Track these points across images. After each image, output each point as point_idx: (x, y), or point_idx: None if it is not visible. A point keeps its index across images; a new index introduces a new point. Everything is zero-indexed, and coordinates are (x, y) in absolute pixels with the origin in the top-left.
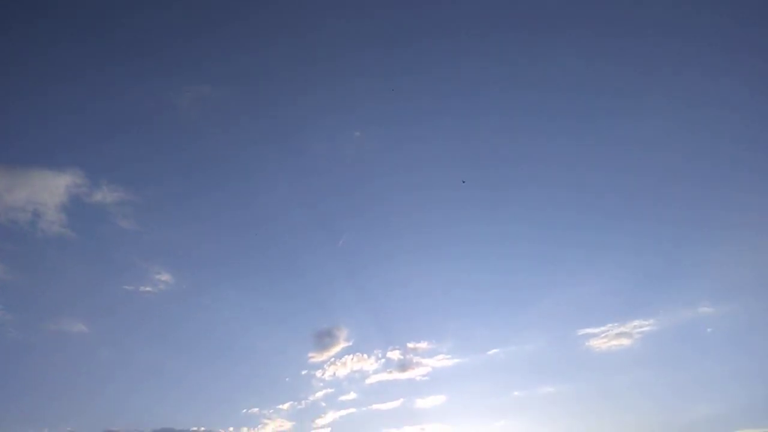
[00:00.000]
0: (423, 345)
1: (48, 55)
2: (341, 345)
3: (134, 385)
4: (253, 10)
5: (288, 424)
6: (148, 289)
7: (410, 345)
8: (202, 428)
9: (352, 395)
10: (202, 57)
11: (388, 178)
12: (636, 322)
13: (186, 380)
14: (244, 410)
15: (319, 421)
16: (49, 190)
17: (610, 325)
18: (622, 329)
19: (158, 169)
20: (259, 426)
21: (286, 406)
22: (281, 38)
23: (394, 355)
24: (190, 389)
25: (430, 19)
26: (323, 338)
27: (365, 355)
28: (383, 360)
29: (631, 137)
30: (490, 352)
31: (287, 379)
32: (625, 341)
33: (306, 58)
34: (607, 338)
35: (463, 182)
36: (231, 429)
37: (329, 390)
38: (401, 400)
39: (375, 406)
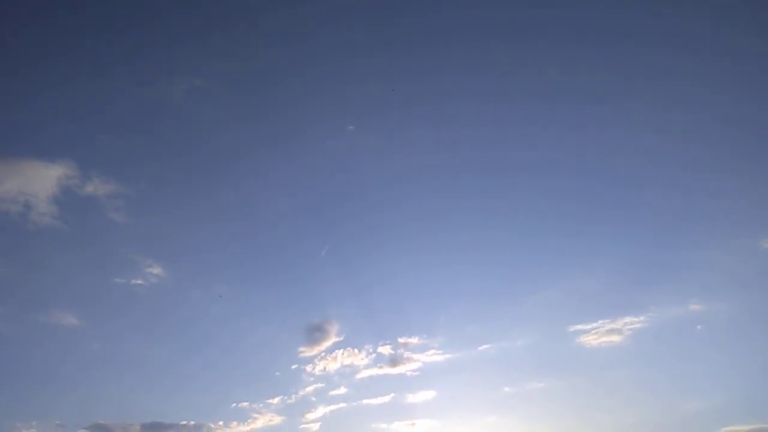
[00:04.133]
0: (414, 340)
1: (39, 47)
2: (332, 340)
3: (124, 379)
4: (246, 2)
5: (278, 419)
6: (139, 281)
7: (401, 340)
8: (192, 422)
9: (342, 390)
10: (195, 49)
11: (380, 172)
12: (627, 319)
13: (176, 374)
14: (234, 404)
15: (310, 416)
16: (40, 181)
17: (601, 321)
18: (613, 326)
19: (150, 161)
20: (249, 420)
21: (276, 400)
22: (275, 31)
23: (385, 350)
24: (179, 383)
25: (425, 15)
26: (314, 333)
27: (356, 350)
28: (374, 355)
29: (619, 137)
30: (481, 348)
31: (277, 374)
32: (616, 338)
33: (299, 51)
34: (598, 335)
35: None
36: (221, 423)
37: (319, 385)
38: (392, 395)
39: (365, 401)
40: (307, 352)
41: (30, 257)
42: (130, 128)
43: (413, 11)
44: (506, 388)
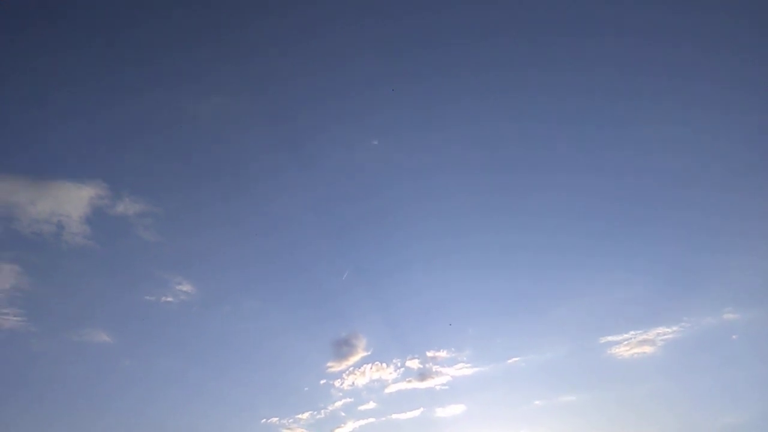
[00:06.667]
0: (442, 354)
1: (71, 68)
2: (360, 354)
3: (154, 395)
4: (269, 19)
5: None
6: (169, 299)
7: (429, 354)
8: None
9: (371, 405)
10: (220, 66)
11: (405, 187)
12: (659, 329)
13: (205, 390)
14: (263, 420)
15: (339, 431)
16: (72, 202)
17: (633, 332)
18: (645, 336)
19: (178, 180)
20: None
21: (305, 415)
22: (298, 47)
23: (413, 364)
24: (209, 399)
25: (449, 25)
26: (341, 347)
27: (384, 364)
28: (402, 369)
29: (651, 141)
30: (510, 361)
31: (306, 389)
32: (648, 349)
33: (323, 66)
34: (630, 346)
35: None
36: None
37: (348, 400)
38: (421, 409)
39: (394, 416)
40: (335, 367)
41: (63, 277)
42: (157, 148)
43: (439, 28)
44: (537, 402)
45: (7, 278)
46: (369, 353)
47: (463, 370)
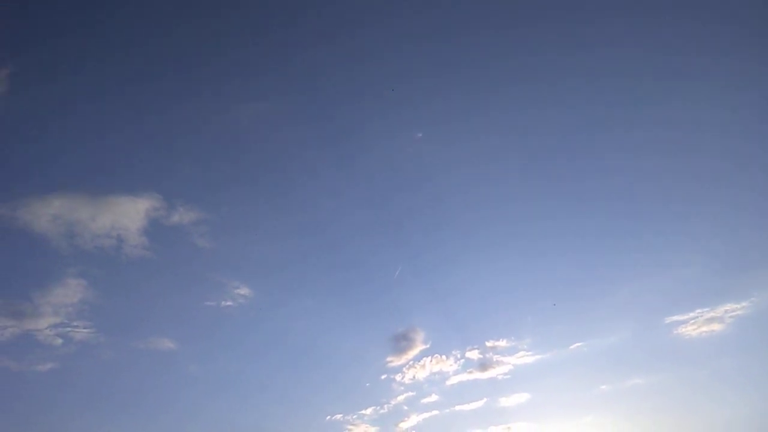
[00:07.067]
0: (502, 343)
1: (122, 88)
2: (419, 347)
3: (221, 396)
4: (306, 16)
5: (372, 429)
6: (228, 303)
7: (489, 344)
8: None
9: (433, 397)
10: (260, 70)
11: (453, 177)
12: (727, 306)
13: (270, 390)
14: (328, 417)
15: (403, 425)
16: (129, 215)
17: (700, 310)
18: (713, 314)
19: (228, 185)
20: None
21: (368, 411)
22: (338, 41)
23: (473, 354)
24: (274, 399)
25: (492, 13)
26: (400, 342)
27: (444, 357)
28: (462, 360)
29: (708, 119)
30: (573, 347)
31: (368, 385)
32: (717, 327)
33: (364, 61)
34: (697, 324)
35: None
36: None
37: (410, 393)
38: (484, 399)
39: (458, 407)
40: (395, 361)
41: (126, 288)
42: (206, 156)
43: (481, 17)
44: (603, 386)
45: (75, 293)
46: (428, 346)
47: (524, 358)
